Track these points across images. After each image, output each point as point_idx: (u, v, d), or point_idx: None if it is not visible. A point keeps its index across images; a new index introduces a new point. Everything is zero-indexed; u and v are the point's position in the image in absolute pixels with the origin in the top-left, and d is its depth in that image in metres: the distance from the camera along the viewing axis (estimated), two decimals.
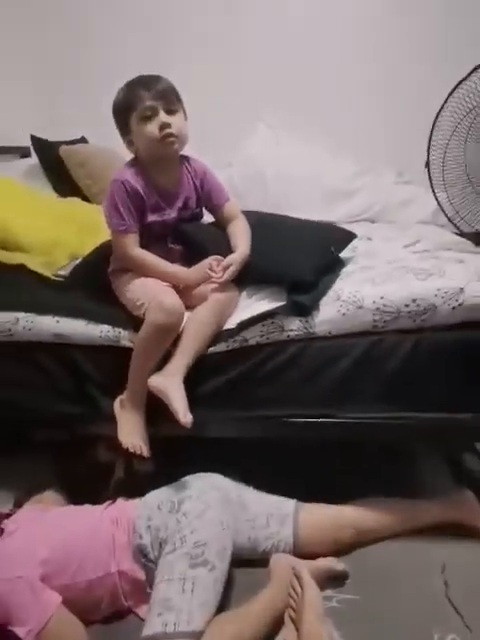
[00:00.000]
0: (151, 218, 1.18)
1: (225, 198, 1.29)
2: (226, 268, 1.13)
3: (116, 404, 1.14)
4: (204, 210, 1.32)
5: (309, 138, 2.14)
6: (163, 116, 1.11)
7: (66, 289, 1.31)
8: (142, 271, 1.16)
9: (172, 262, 1.20)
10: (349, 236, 1.35)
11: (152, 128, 1.12)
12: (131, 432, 1.09)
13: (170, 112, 1.13)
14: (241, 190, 1.96)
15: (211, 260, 1.15)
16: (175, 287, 1.17)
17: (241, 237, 1.21)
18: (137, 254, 1.16)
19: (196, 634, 0.81)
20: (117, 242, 1.17)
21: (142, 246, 1.17)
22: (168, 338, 1.07)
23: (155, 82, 1.13)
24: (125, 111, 1.14)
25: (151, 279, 1.16)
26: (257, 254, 1.18)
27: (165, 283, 1.15)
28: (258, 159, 2.12)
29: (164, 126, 1.11)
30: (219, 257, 1.15)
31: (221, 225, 1.28)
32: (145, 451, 1.08)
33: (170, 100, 1.13)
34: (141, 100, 1.11)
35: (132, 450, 1.07)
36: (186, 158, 1.26)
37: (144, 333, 1.07)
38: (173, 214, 1.21)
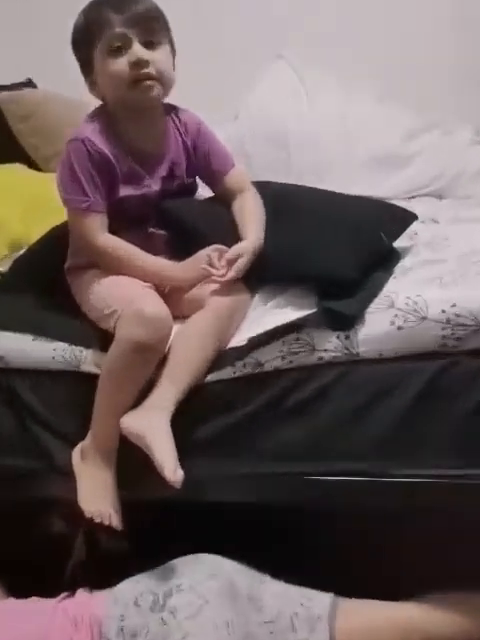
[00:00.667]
0: (124, 192, 1.20)
1: (229, 163, 1.32)
2: (232, 262, 1.15)
3: (75, 455, 1.14)
4: (199, 181, 1.35)
5: (347, 82, 2.17)
6: (138, 49, 1.12)
7: (5, 291, 1.34)
8: (113, 267, 1.18)
9: (154, 253, 1.22)
10: (406, 218, 1.37)
11: (121, 65, 1.12)
12: (96, 494, 1.10)
13: (149, 44, 1.14)
14: (251, 153, 2.00)
15: (210, 251, 1.16)
16: (159, 289, 1.19)
17: (252, 217, 1.24)
18: (105, 243, 1.17)
19: None
20: (77, 226, 1.19)
21: (112, 231, 1.19)
22: (149, 361, 1.09)
23: (130, 2, 1.14)
24: (87, 41, 1.16)
25: (125, 277, 1.18)
26: (275, 242, 1.20)
27: (145, 283, 1.17)
28: (276, 111, 2.16)
29: (138, 64, 1.12)
30: (221, 247, 1.17)
31: (224, 201, 1.31)
32: (115, 521, 1.08)
33: (150, 27, 1.15)
34: (108, 25, 1.12)
35: (97, 520, 1.08)
36: (173, 108, 1.28)
37: (116, 354, 1.09)
38: (155, 186, 1.24)
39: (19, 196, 1.67)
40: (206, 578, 1.03)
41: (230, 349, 1.13)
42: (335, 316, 1.09)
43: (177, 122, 1.27)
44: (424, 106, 2.12)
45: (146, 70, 1.13)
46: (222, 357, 1.13)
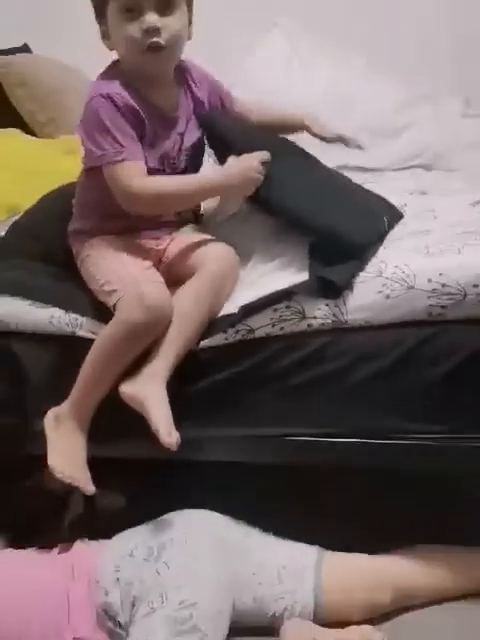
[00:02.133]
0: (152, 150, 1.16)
1: (232, 95, 1.34)
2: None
3: (49, 418, 1.13)
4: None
5: (340, 53, 2.13)
6: (150, 16, 1.08)
7: (2, 256, 1.32)
8: (159, 208, 1.16)
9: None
10: (398, 214, 1.34)
11: (133, 30, 1.09)
12: (66, 458, 1.09)
13: (163, 9, 1.09)
14: None
15: (260, 158, 1.13)
16: (154, 261, 1.18)
17: (282, 116, 1.33)
18: (151, 185, 1.12)
19: None
20: (115, 178, 1.11)
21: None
22: (144, 342, 1.08)
23: None
24: None
25: (128, 255, 1.15)
26: (301, 188, 1.18)
27: (147, 264, 1.15)
28: (269, 79, 2.12)
29: (150, 31, 1.08)
30: (265, 154, 1.14)
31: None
32: (88, 485, 1.08)
33: None
34: None
35: (68, 481, 1.07)
36: (183, 65, 1.24)
37: (113, 332, 1.08)
38: (171, 143, 1.20)
39: (15, 161, 1.64)
40: (198, 532, 1.04)
41: (223, 316, 1.13)
42: (326, 284, 1.08)
43: (189, 78, 1.25)
44: (415, 78, 2.09)
45: (157, 39, 1.09)
46: (215, 324, 1.12)
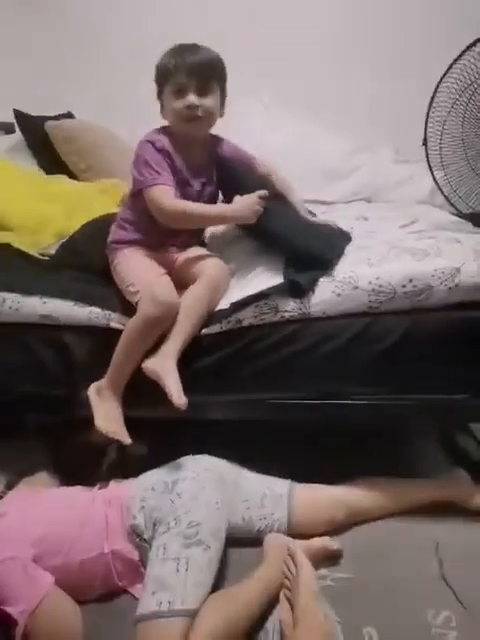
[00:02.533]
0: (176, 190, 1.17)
1: (252, 157, 1.33)
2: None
3: (92, 390, 1.12)
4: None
5: (302, 115, 2.12)
6: (192, 97, 1.12)
7: (53, 269, 1.30)
8: (185, 221, 1.15)
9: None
10: (348, 236, 1.33)
11: (179, 106, 1.14)
12: (107, 419, 1.08)
13: (203, 91, 1.13)
14: None
15: (259, 193, 1.12)
16: (168, 269, 1.17)
17: (290, 191, 1.32)
18: (175, 205, 1.12)
19: (190, 613, 0.83)
20: (151, 198, 1.13)
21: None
22: (159, 330, 1.07)
23: (194, 54, 1.13)
24: (162, 79, 1.16)
25: (149, 262, 1.16)
26: (286, 226, 1.17)
27: (162, 271, 1.14)
28: (247, 136, 2.07)
29: (191, 107, 1.13)
30: (262, 192, 1.13)
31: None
32: (126, 438, 1.07)
33: (205, 77, 1.13)
34: (175, 73, 1.12)
35: (112, 436, 1.06)
36: (217, 138, 1.27)
37: (135, 324, 1.07)
38: (197, 188, 1.21)
39: (62, 199, 1.62)
40: (203, 470, 1.04)
41: (218, 311, 1.12)
42: (294, 286, 1.08)
43: (218, 146, 1.27)
44: (358, 133, 2.09)
45: (196, 113, 1.13)
46: (212, 317, 1.12)
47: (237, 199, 1.14)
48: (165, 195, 1.12)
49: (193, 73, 1.11)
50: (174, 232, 1.20)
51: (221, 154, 1.26)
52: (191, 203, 1.15)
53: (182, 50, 1.14)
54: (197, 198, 1.21)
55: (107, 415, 1.08)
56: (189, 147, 1.19)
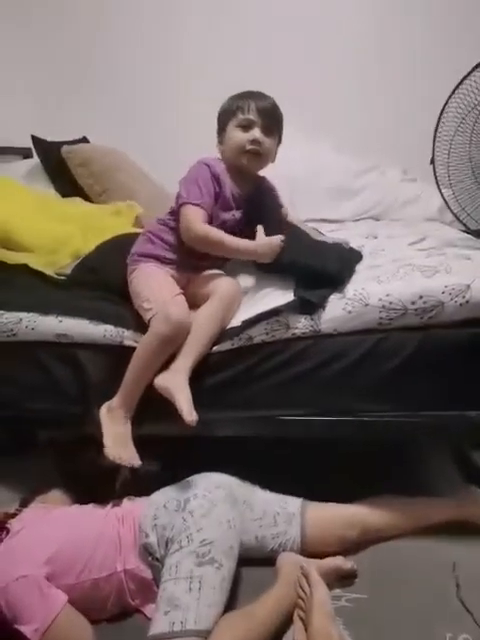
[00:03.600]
0: (219, 215, 1.22)
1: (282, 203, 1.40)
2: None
3: (103, 409, 1.11)
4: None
5: (311, 135, 2.16)
6: (257, 132, 1.19)
7: (68, 288, 1.33)
8: (212, 245, 1.16)
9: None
10: (359, 255, 1.34)
11: (243, 138, 1.20)
12: (117, 441, 1.07)
13: (267, 131, 1.20)
14: None
15: (279, 238, 1.15)
16: (182, 286, 1.18)
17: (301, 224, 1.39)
18: (203, 228, 1.16)
19: (203, 633, 0.82)
20: (185, 214, 1.17)
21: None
22: (170, 349, 1.08)
23: (264, 100, 1.21)
24: (228, 114, 1.22)
25: (166, 280, 1.17)
26: (303, 252, 1.20)
27: (177, 290, 1.15)
28: None
29: (255, 142, 1.19)
30: (282, 237, 1.16)
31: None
32: (135, 461, 1.06)
33: (271, 121, 1.21)
34: (246, 110, 1.19)
35: (119, 462, 1.05)
36: (264, 179, 1.34)
37: (147, 342, 1.08)
38: (237, 216, 1.26)
39: (78, 220, 1.66)
40: (214, 488, 1.03)
41: (229, 328, 1.13)
42: (306, 304, 1.08)
43: (262, 185, 1.33)
44: (367, 153, 2.11)
45: (257, 147, 1.19)
46: (224, 334, 1.12)
47: (261, 235, 1.16)
48: (198, 217, 1.16)
49: (261, 114, 1.19)
50: (203, 255, 1.21)
51: (262, 194, 1.31)
52: (215, 230, 1.17)
53: (252, 95, 1.21)
54: (231, 225, 1.25)
55: (116, 439, 1.07)
56: (238, 178, 1.24)
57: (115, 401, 1.11)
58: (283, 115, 1.26)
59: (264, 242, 1.15)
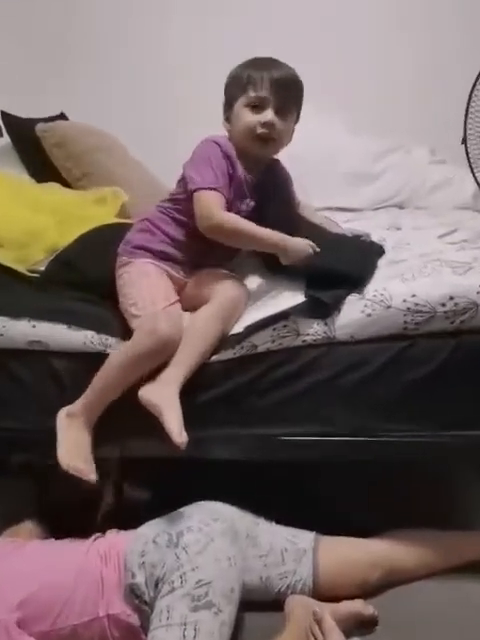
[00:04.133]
0: (234, 203, 1.20)
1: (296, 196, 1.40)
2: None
3: (62, 413, 1.12)
4: None
5: (325, 112, 2.16)
6: (270, 114, 1.15)
7: (43, 287, 1.32)
8: (233, 235, 1.16)
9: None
10: (381, 250, 1.35)
11: (254, 121, 1.16)
12: (72, 451, 1.07)
13: (282, 112, 1.17)
14: None
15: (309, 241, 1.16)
16: (179, 287, 1.19)
17: (317, 216, 1.42)
18: (229, 217, 1.15)
19: None
20: (204, 202, 1.14)
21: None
22: (151, 365, 1.08)
23: (280, 71, 1.17)
24: (237, 88, 1.19)
25: (163, 282, 1.17)
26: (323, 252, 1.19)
27: (174, 297, 1.15)
28: None
29: (267, 125, 1.16)
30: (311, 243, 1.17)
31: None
32: (91, 475, 1.06)
33: (287, 98, 1.18)
34: (259, 86, 1.15)
35: (74, 473, 1.05)
36: (277, 162, 1.32)
37: (127, 352, 1.08)
38: (251, 205, 1.25)
39: (54, 209, 1.66)
40: (211, 520, 1.02)
41: (231, 335, 1.13)
42: (316, 305, 1.09)
43: (276, 169, 1.31)
44: (388, 132, 2.12)
45: (271, 133, 1.17)
46: (224, 341, 1.12)
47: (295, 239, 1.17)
48: (219, 204, 1.14)
49: (277, 90, 1.15)
50: (209, 252, 1.22)
51: (276, 181, 1.31)
52: (244, 222, 1.16)
53: (266, 63, 1.18)
54: (244, 217, 1.22)
55: (72, 447, 1.08)
56: (249, 163, 1.23)
57: (77, 407, 1.11)
58: (303, 87, 1.23)
59: (296, 241, 1.15)
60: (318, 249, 1.15)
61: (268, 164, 1.30)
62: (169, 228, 1.23)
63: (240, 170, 1.21)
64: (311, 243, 1.16)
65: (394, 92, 2.26)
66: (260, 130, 1.16)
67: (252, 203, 1.26)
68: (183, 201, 1.21)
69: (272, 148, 1.22)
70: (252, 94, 1.16)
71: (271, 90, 1.15)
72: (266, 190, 1.28)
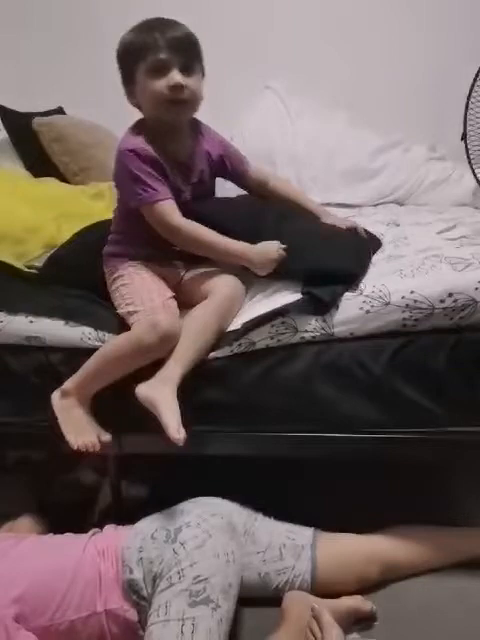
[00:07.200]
0: None
1: (246, 162, 1.32)
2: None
3: (55, 397, 1.13)
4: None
5: (325, 108, 2.16)
6: (176, 75, 1.08)
7: (40, 283, 1.33)
8: (193, 243, 1.14)
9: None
10: (378, 243, 1.35)
11: (160, 87, 1.09)
12: (78, 428, 1.09)
13: (186, 70, 1.10)
14: None
15: (278, 245, 1.13)
16: (173, 284, 1.18)
17: (300, 194, 1.32)
18: (185, 223, 1.13)
19: None
20: (156, 218, 1.13)
21: (154, 236, 1.16)
22: (147, 360, 1.08)
23: (174, 29, 1.10)
24: (133, 56, 1.10)
25: (154, 282, 1.16)
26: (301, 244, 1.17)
27: (169, 293, 1.15)
28: (264, 133, 2.14)
29: (176, 88, 1.08)
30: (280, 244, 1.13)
31: (255, 190, 1.32)
32: (104, 437, 1.08)
33: (189, 55, 1.11)
34: (154, 49, 1.07)
35: (84, 449, 1.06)
36: (197, 123, 1.25)
37: (125, 343, 1.08)
38: (188, 195, 1.20)
39: (52, 204, 1.66)
40: (210, 516, 1.03)
41: (228, 332, 1.13)
42: (315, 302, 1.08)
43: (202, 135, 1.24)
44: (387, 128, 2.11)
45: (182, 95, 1.10)
46: (222, 338, 1.12)
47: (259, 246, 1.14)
48: (172, 212, 1.12)
49: (176, 49, 1.07)
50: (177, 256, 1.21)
51: (210, 152, 1.24)
52: (204, 231, 1.14)
53: (158, 24, 1.10)
54: (189, 205, 1.20)
55: (77, 426, 1.09)
56: (171, 139, 1.16)
57: (69, 385, 1.12)
58: (197, 39, 1.14)
59: (259, 249, 1.13)
60: (285, 246, 1.11)
61: (195, 132, 1.23)
62: (133, 233, 1.21)
63: (167, 164, 1.15)
64: (279, 245, 1.12)
65: (394, 88, 2.25)
66: (170, 95, 1.09)
67: (192, 186, 1.21)
68: (129, 211, 1.17)
69: (189, 110, 1.15)
70: (151, 58, 1.07)
71: (170, 50, 1.07)
72: (203, 163, 1.22)
